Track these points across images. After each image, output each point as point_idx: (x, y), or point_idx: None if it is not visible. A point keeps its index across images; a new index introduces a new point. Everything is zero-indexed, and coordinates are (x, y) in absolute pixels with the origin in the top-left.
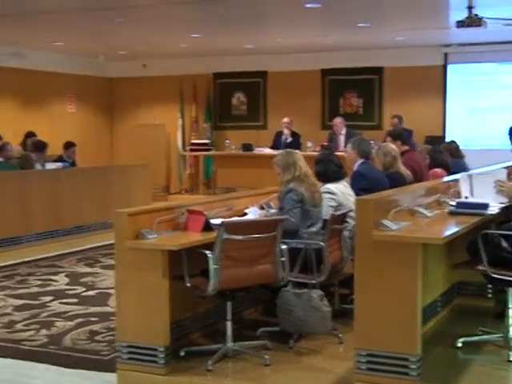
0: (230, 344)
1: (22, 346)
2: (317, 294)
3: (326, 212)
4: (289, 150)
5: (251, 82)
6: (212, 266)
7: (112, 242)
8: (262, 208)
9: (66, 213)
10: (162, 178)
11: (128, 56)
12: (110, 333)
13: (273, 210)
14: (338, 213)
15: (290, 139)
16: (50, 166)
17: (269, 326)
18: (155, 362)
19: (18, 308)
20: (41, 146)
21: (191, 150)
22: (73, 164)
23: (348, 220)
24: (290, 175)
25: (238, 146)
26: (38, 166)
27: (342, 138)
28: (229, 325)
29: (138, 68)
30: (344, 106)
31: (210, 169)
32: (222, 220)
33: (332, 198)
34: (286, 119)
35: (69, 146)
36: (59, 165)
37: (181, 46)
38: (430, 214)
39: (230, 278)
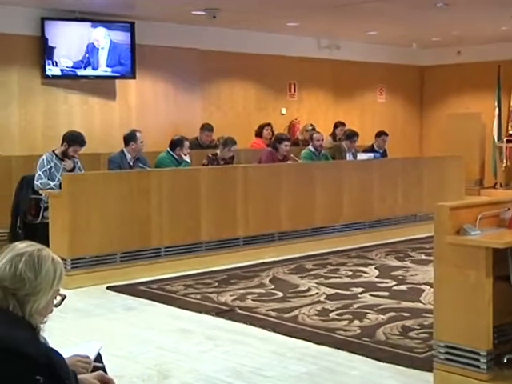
0: None
1: (337, 336)
2: None
3: None
4: None
5: None
6: None
7: (422, 235)
8: None
9: (375, 204)
10: (475, 171)
11: (441, 43)
12: (424, 330)
13: None
14: None
15: None
16: (362, 156)
17: None
18: (476, 366)
19: (330, 297)
20: (351, 135)
21: (508, 142)
22: (384, 154)
23: None
24: None
25: None
26: (348, 156)
27: None
28: None
29: (451, 55)
30: None
31: None
32: None
33: None
34: None
35: (380, 134)
36: (370, 155)
37: (501, 29)
38: None
39: None
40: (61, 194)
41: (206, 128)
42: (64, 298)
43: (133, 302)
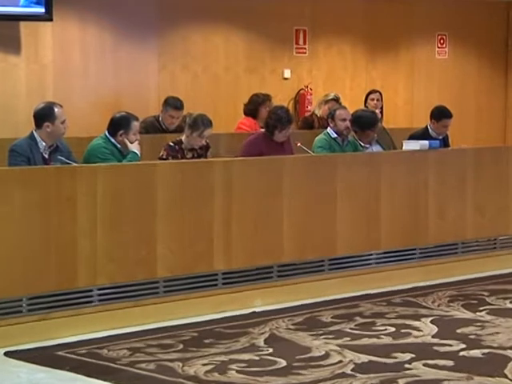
0: None
1: None
2: None
3: None
4: None
5: None
6: None
7: (506, 271)
8: None
9: (430, 221)
10: None
11: None
12: None
13: None
14: None
15: None
16: (410, 145)
17: None
18: None
19: (361, 367)
20: (370, 123)
21: None
22: (445, 142)
23: None
24: None
25: None
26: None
27: None
28: None
29: None
30: None
31: None
32: None
33: None
34: None
35: (439, 116)
36: (424, 144)
37: None
38: None
39: None
40: None
41: (171, 104)
42: None
43: (47, 377)
